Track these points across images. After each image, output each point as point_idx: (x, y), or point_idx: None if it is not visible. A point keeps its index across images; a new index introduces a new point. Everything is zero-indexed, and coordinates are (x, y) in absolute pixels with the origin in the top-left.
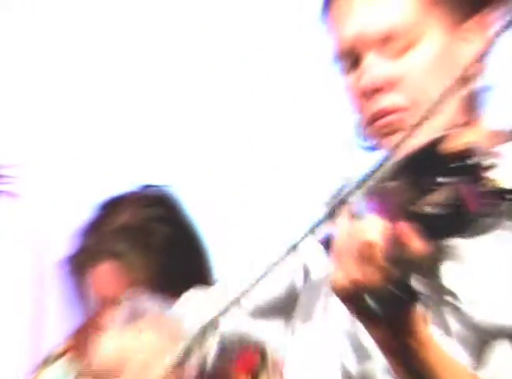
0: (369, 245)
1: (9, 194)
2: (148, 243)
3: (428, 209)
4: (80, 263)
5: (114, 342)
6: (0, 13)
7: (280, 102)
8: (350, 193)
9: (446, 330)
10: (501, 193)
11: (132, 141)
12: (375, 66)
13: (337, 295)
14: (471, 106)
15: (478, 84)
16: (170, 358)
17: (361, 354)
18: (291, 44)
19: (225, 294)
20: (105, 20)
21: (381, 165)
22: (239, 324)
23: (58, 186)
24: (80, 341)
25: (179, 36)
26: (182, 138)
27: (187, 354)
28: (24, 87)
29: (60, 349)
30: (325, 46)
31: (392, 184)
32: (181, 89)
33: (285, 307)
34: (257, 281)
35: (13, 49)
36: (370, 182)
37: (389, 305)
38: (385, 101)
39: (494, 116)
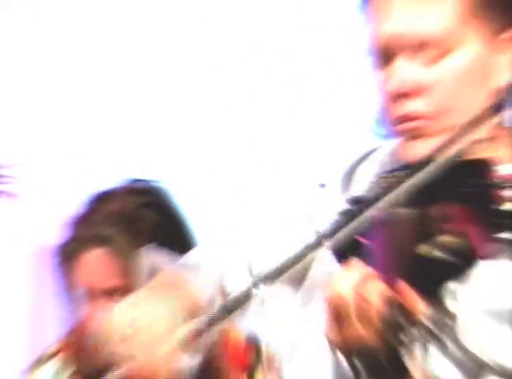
0: (366, 304)
1: (9, 194)
2: (137, 229)
3: (437, 253)
4: (69, 251)
5: (126, 314)
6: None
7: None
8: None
9: (445, 352)
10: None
11: (122, 139)
12: (404, 70)
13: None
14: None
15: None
16: (182, 331)
17: None
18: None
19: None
20: (101, 17)
21: (400, 177)
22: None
23: (57, 185)
24: (72, 341)
25: (171, 31)
26: (171, 134)
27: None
28: (24, 87)
29: (53, 349)
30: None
31: (402, 212)
32: (167, 84)
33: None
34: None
35: (12, 49)
36: (389, 196)
37: (377, 374)
38: (411, 106)
39: None
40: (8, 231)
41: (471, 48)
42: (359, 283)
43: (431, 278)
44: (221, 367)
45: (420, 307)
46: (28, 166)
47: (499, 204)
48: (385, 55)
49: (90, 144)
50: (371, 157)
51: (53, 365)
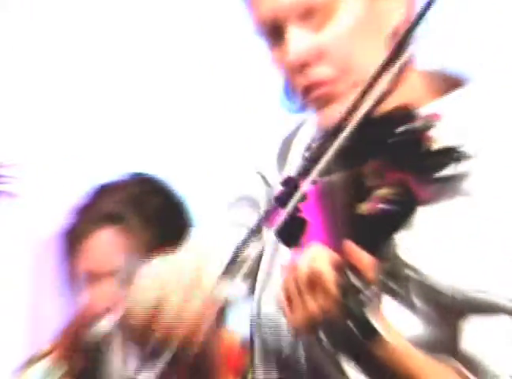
0: (318, 276)
1: (8, 194)
2: (144, 211)
3: (380, 206)
4: (78, 231)
5: (150, 281)
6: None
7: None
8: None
9: (411, 307)
10: (446, 153)
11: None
12: (297, 40)
13: (298, 334)
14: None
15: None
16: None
17: None
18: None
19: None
20: (95, 15)
21: (322, 145)
22: None
23: (56, 183)
24: (65, 341)
25: (164, 27)
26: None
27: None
28: (24, 86)
29: (45, 349)
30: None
31: (334, 178)
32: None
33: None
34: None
35: (12, 49)
36: (317, 167)
37: (346, 342)
38: (314, 74)
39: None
40: (8, 231)
41: (353, 3)
42: (307, 260)
43: (376, 233)
44: (215, 370)
45: (371, 264)
46: (27, 166)
47: (428, 145)
48: (275, 31)
49: (88, 141)
50: (300, 132)
51: (44, 365)
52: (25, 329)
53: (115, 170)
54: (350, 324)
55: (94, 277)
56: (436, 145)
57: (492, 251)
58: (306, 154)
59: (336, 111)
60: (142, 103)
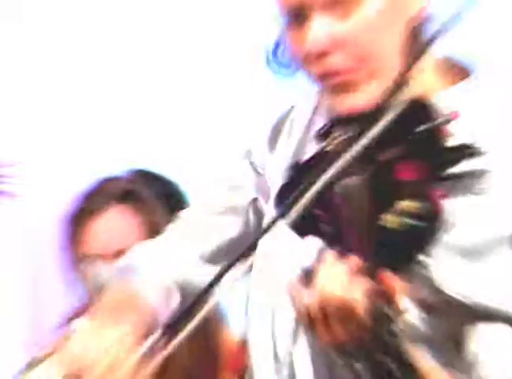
0: (350, 303)
1: (8, 194)
2: (152, 190)
3: (405, 220)
4: (88, 209)
5: (80, 343)
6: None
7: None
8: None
9: (422, 304)
10: (462, 150)
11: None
12: (321, 28)
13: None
14: (415, 41)
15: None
16: (135, 354)
17: None
18: None
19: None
20: (95, 13)
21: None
22: (194, 273)
23: (56, 185)
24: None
25: (162, 20)
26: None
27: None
28: (24, 86)
29: (45, 352)
30: None
31: (353, 182)
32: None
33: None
34: None
35: (12, 49)
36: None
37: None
38: (331, 63)
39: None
40: (7, 231)
41: None
42: (341, 282)
43: (403, 248)
44: (215, 369)
45: (403, 291)
46: (28, 166)
47: (445, 140)
48: (298, 15)
49: (84, 140)
50: (292, 116)
51: (45, 368)
52: (25, 330)
53: (114, 167)
54: (386, 359)
55: (102, 256)
56: (451, 141)
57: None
58: (330, 141)
59: (355, 99)
60: (131, 94)
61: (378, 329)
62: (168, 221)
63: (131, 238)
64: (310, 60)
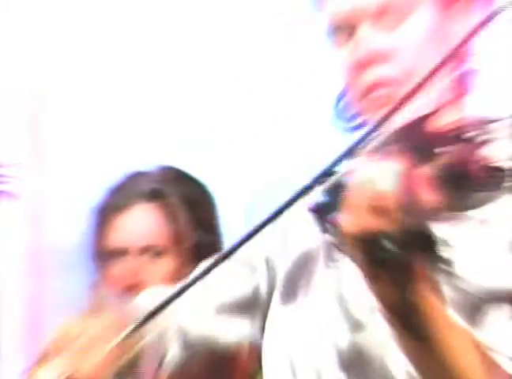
0: (382, 197)
1: (8, 194)
2: (181, 191)
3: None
4: (109, 209)
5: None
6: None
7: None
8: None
9: None
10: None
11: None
12: (370, 38)
13: (348, 243)
14: (458, 87)
15: (466, 66)
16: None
17: (352, 326)
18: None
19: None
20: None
21: (367, 138)
22: (203, 322)
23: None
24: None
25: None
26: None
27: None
28: (24, 86)
29: (52, 349)
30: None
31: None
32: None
33: (249, 305)
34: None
35: (11, 49)
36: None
37: (406, 247)
38: (378, 74)
39: (476, 102)
40: (7, 231)
41: (427, 12)
42: (372, 174)
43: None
44: (223, 373)
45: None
46: (28, 166)
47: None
48: (347, 30)
49: (117, 133)
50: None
51: (53, 365)
52: (24, 330)
53: (143, 162)
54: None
55: (122, 254)
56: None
57: None
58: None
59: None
60: (168, 89)
61: (408, 220)
62: (191, 229)
63: (156, 237)
64: (358, 72)
